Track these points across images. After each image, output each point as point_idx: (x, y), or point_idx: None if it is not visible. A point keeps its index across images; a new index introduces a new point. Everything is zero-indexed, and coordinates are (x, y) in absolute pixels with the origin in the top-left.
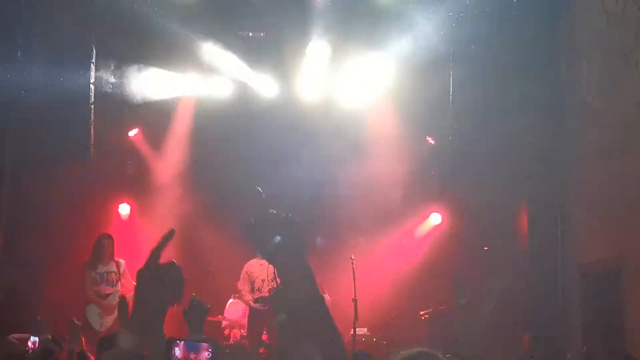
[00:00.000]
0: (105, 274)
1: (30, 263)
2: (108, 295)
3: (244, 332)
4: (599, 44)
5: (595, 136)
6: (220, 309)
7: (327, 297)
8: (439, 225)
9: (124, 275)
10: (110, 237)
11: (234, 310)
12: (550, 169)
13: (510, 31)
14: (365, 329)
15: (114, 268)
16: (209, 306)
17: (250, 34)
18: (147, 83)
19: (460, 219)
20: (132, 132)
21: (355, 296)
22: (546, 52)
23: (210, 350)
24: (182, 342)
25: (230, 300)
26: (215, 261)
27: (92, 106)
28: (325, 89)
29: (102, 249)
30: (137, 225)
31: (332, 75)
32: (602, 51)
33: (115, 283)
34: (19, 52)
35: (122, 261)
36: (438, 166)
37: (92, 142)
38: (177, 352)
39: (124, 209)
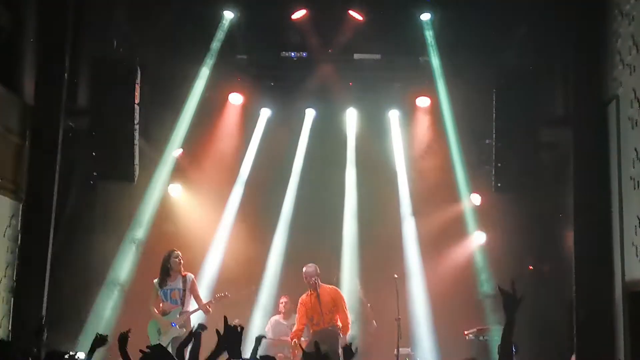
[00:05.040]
0: (169, 291)
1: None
2: (168, 312)
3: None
4: None
5: None
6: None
7: (374, 324)
8: (483, 244)
9: (192, 290)
10: (177, 253)
11: (276, 329)
12: (595, 187)
13: (555, 44)
14: (408, 349)
15: (179, 285)
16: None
17: (293, 54)
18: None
19: (505, 240)
20: (177, 153)
21: (398, 315)
22: (591, 66)
23: None
24: None
25: (274, 317)
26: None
27: (137, 126)
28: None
29: (169, 265)
30: (181, 243)
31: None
32: None
33: (178, 300)
34: (65, 75)
35: (190, 276)
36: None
37: (136, 162)
38: None
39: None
